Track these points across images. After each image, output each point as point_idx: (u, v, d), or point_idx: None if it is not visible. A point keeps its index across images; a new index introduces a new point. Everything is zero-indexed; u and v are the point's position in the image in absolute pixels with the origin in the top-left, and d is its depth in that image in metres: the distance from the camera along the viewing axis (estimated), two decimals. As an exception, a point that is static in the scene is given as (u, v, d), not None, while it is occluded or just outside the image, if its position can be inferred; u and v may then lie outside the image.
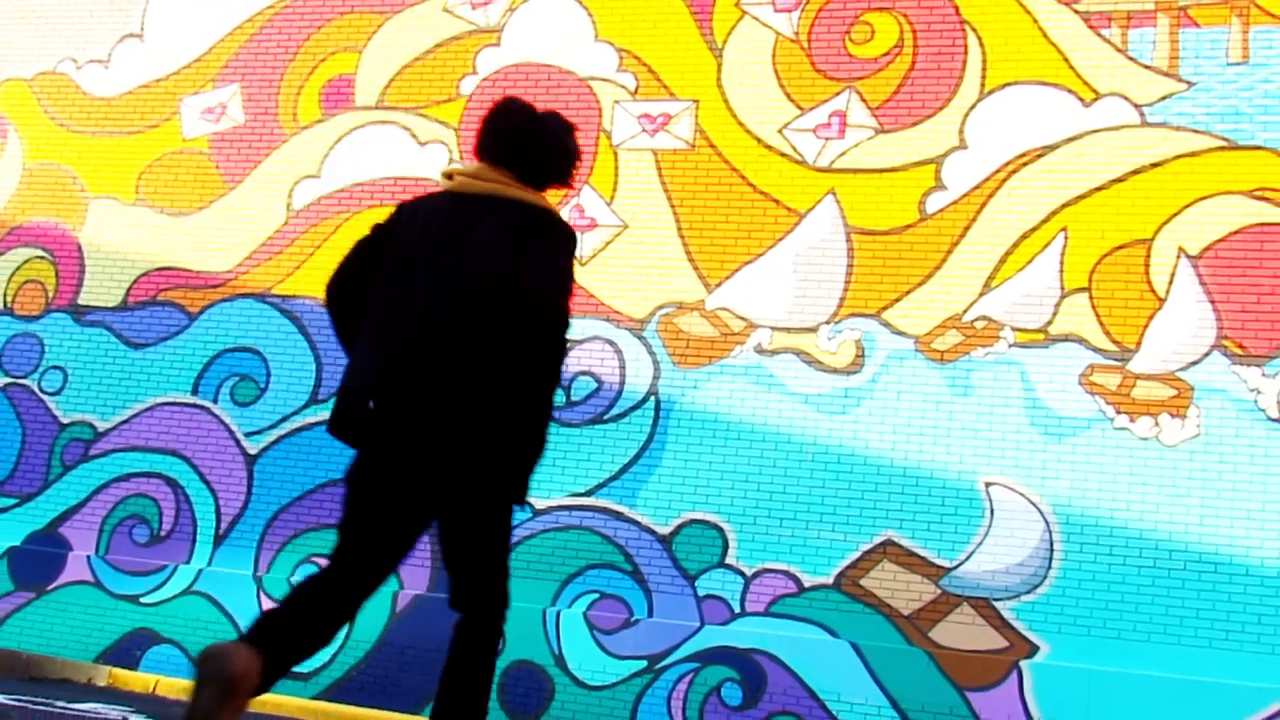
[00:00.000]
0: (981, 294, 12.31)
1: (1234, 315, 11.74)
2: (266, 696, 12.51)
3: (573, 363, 13.11)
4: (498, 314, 5.42)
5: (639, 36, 13.66)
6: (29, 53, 15.68)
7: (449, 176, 5.84)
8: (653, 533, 12.58)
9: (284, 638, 5.31)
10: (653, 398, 12.90)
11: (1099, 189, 12.21)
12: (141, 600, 13.66)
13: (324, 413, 13.39)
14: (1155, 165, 12.15)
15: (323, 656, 12.87)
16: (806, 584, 12.15)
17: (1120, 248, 12.07)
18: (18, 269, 15.02)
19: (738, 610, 12.24)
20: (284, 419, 13.82)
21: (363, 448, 5.61)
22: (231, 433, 13.94)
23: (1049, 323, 12.11)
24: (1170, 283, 11.91)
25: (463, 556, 5.73)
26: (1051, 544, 11.72)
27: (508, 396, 5.39)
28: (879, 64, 13.02)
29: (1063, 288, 12.14)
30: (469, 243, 5.51)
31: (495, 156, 5.75)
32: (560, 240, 5.60)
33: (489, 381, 5.37)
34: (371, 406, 5.50)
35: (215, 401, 14.06)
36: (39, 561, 14.09)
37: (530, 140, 5.77)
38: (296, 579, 11.60)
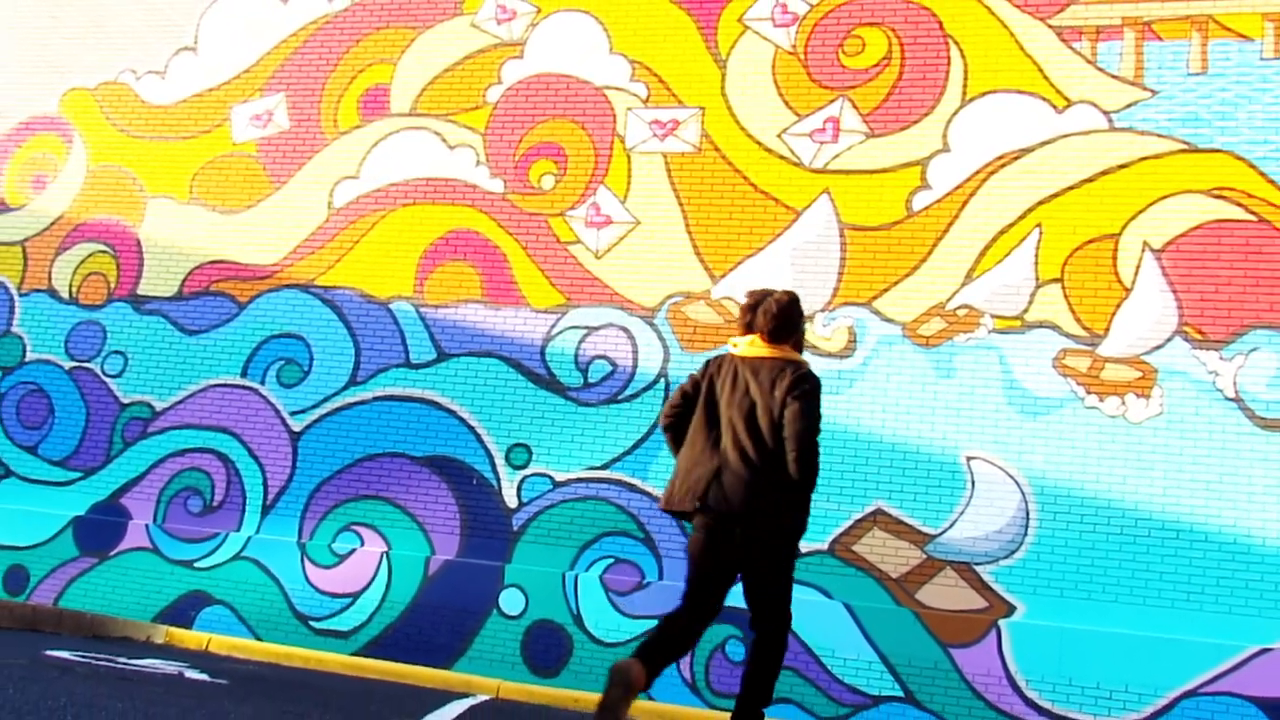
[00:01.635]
0: (963, 284, 12.32)
1: (1194, 304, 11.76)
2: (308, 652, 12.65)
3: (590, 348, 13.17)
4: (773, 436, 7.32)
5: (650, 49, 13.67)
6: (92, 65, 15.69)
7: (736, 345, 7.78)
8: (663, 503, 12.58)
9: (658, 654, 7.30)
10: (663, 379, 12.92)
11: (1071, 188, 12.23)
12: (195, 565, 13.69)
13: (362, 393, 13.53)
14: (1122, 166, 12.16)
15: (360, 614, 12.98)
16: (803, 549, 12.14)
17: (1090, 242, 12.09)
18: (82, 262, 15.05)
19: (740, 573, 12.26)
20: (325, 399, 13.84)
21: (690, 520, 7.61)
22: (277, 411, 13.97)
23: (1025, 310, 12.13)
24: (1136, 274, 11.93)
25: (761, 593, 7.54)
26: (1027, 513, 11.74)
27: (784, 489, 7.30)
28: (869, 74, 13.03)
29: (1037, 278, 12.16)
30: (753, 387, 7.46)
31: (765, 330, 7.66)
32: (812, 388, 7.44)
33: (772, 479, 7.29)
34: (698, 497, 7.42)
35: (263, 383, 14.09)
36: (102, 530, 14.12)
37: (786, 319, 7.70)
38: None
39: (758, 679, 7.52)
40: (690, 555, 7.67)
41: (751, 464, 7.31)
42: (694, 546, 7.62)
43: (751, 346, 7.69)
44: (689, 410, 7.77)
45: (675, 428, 7.82)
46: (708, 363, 7.91)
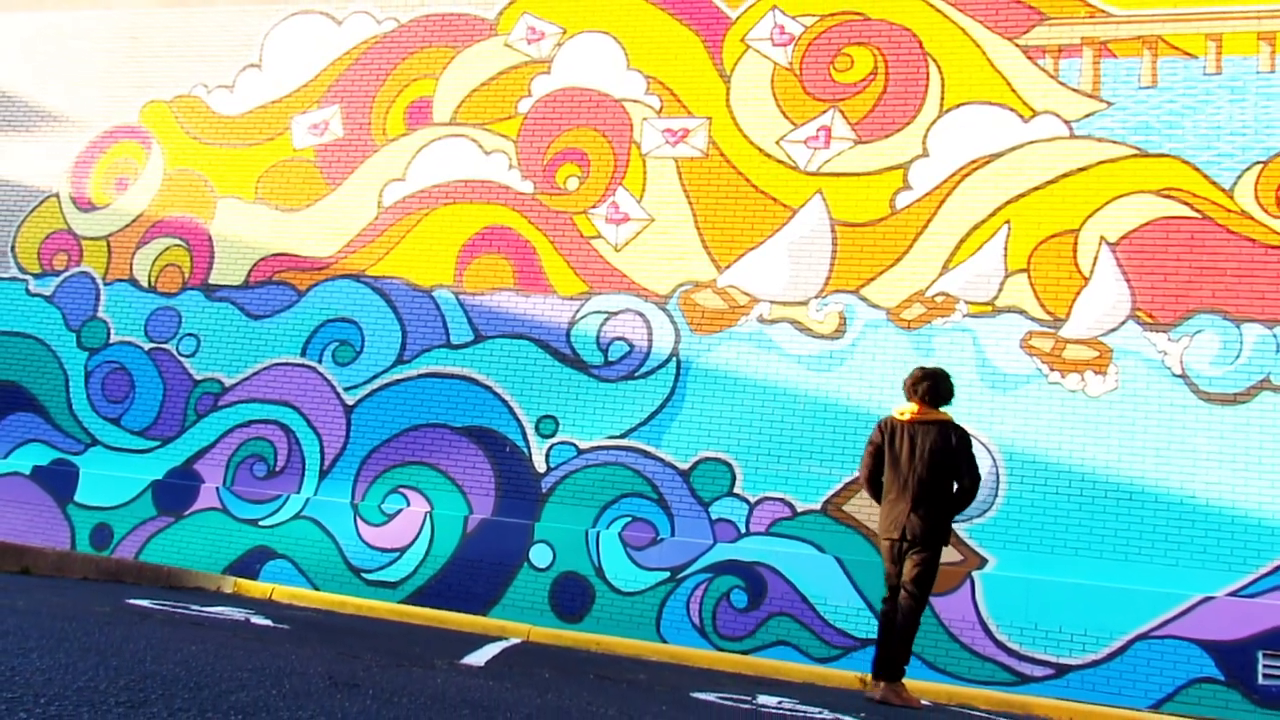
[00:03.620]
0: (941, 274, 12.29)
1: (1145, 291, 11.73)
2: (360, 600, 12.58)
3: (609, 330, 13.15)
4: (944, 477, 8.73)
5: (663, 66, 13.64)
6: (169, 80, 15.66)
7: (903, 414, 8.97)
8: (674, 468, 12.59)
9: (887, 657, 8.67)
10: (674, 359, 12.90)
11: (1036, 189, 12.19)
12: (260, 523, 13.69)
13: (408, 371, 13.50)
14: (1081, 170, 12.13)
15: (406, 567, 12.96)
16: (799, 509, 12.15)
17: (1053, 236, 12.05)
18: (160, 255, 15.03)
19: (743, 531, 12.25)
20: (376, 376, 13.82)
21: (889, 540, 8.82)
22: (333, 387, 13.95)
23: (995, 297, 12.10)
24: (1094, 265, 11.89)
25: (915, 577, 8.66)
26: (998, 476, 11.71)
27: (946, 517, 8.75)
28: (858, 88, 13.00)
29: (1006, 269, 12.12)
30: (925, 445, 8.77)
31: (924, 399, 8.89)
32: (969, 442, 8.81)
33: (939, 509, 8.71)
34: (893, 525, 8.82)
35: (320, 362, 14.08)
36: (177, 492, 14.13)
37: (941, 389, 8.95)
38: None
39: (903, 636, 8.61)
40: (887, 559, 8.84)
41: (929, 502, 8.70)
42: (888, 557, 8.84)
43: (917, 414, 8.93)
44: (880, 466, 9.04)
45: (873, 483, 9.08)
46: (879, 426, 9.10)
